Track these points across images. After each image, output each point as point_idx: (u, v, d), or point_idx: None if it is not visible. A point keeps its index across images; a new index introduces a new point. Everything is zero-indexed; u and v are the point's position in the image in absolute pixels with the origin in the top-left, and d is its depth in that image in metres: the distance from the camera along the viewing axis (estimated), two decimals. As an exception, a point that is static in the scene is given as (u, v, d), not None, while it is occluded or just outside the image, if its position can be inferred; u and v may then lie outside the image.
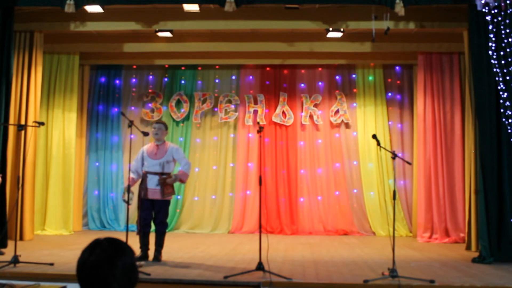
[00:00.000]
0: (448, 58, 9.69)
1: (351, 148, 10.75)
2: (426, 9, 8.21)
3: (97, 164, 10.97)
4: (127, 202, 6.46)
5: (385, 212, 10.33)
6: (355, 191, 10.62)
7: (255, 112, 10.87)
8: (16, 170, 8.03)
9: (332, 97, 10.89)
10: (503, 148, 7.23)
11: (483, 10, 7.25)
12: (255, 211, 10.30)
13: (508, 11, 7.22)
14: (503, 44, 7.19)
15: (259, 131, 6.15)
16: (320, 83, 10.99)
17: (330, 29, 8.64)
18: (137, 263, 2.00)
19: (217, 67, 11.07)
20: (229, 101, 10.96)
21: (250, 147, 10.88)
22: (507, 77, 7.17)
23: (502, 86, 7.19)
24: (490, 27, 7.26)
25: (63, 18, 8.43)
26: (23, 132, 6.53)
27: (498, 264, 6.82)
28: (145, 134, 6.68)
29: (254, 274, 5.71)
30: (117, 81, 11.17)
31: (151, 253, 6.84)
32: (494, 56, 7.22)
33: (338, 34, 8.94)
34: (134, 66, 11.14)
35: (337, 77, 11.01)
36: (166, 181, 6.80)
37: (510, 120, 7.13)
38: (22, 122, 8.33)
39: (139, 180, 7.01)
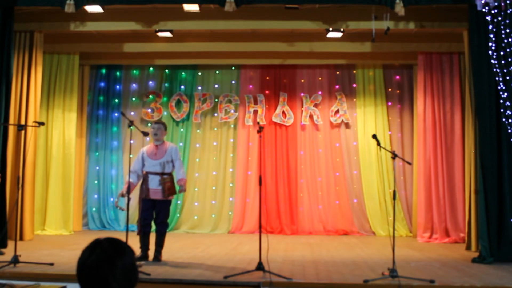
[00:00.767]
0: (448, 58, 9.69)
1: (351, 148, 10.75)
2: (426, 9, 8.21)
3: (97, 165, 10.96)
4: (123, 209, 6.45)
5: (385, 212, 10.34)
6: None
7: (255, 112, 10.87)
8: (16, 170, 8.03)
9: (332, 97, 10.89)
10: (503, 148, 7.23)
11: (483, 10, 7.25)
12: (255, 211, 10.30)
13: (508, 11, 7.22)
14: (503, 44, 7.19)
15: (259, 131, 6.15)
16: (320, 83, 10.99)
17: (330, 29, 8.63)
18: (137, 263, 1.99)
19: (217, 67, 11.06)
20: (229, 101, 10.96)
21: (250, 147, 10.87)
22: (507, 77, 7.17)
23: (502, 86, 7.19)
24: (490, 27, 7.26)
25: (63, 18, 8.43)
26: (23, 132, 6.53)
27: (498, 264, 6.82)
28: (145, 134, 6.68)
29: (254, 274, 5.71)
30: (117, 81, 11.17)
31: (151, 253, 6.84)
32: (494, 56, 7.22)
33: (338, 34, 8.94)
34: (134, 66, 11.13)
35: (337, 77, 11.00)
36: (177, 193, 6.91)
37: (510, 120, 7.13)
38: (22, 122, 8.33)
39: (138, 184, 6.99)
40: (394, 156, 6.04)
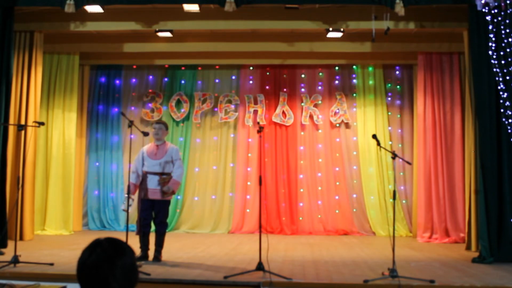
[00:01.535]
0: (448, 58, 9.69)
1: (351, 148, 10.76)
2: (426, 9, 8.21)
3: (97, 164, 10.96)
4: (127, 211, 6.44)
5: (385, 212, 10.34)
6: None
7: (255, 112, 10.87)
8: (16, 170, 8.03)
9: (332, 97, 10.89)
10: (503, 148, 7.23)
11: (483, 10, 7.25)
12: (255, 211, 10.30)
13: (508, 11, 7.22)
14: (503, 44, 7.19)
15: (259, 131, 6.16)
16: (320, 83, 10.99)
17: (330, 29, 8.64)
18: (137, 263, 1.99)
19: (217, 67, 11.07)
20: (229, 101, 10.96)
21: (250, 147, 10.88)
22: (507, 77, 7.17)
23: (502, 86, 7.19)
24: (490, 27, 7.26)
25: (63, 18, 8.43)
26: (23, 132, 6.53)
27: (498, 264, 6.82)
28: (145, 134, 6.68)
29: (254, 274, 5.71)
30: (117, 81, 11.17)
31: (151, 253, 6.84)
32: (494, 56, 7.22)
33: (338, 34, 8.94)
34: (134, 66, 11.14)
35: (337, 77, 11.01)
36: (162, 189, 6.78)
37: (510, 120, 7.13)
38: (22, 122, 8.33)
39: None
40: (394, 156, 6.04)
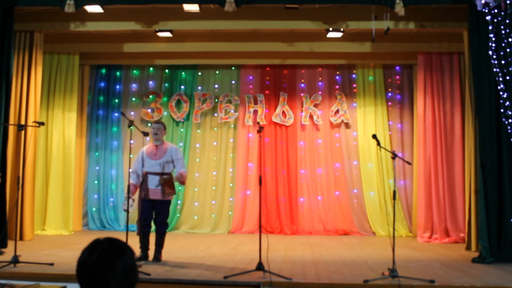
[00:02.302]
0: (448, 58, 9.69)
1: (351, 148, 10.76)
2: (426, 9, 8.21)
3: (97, 164, 10.96)
4: (127, 211, 6.44)
5: (385, 212, 10.33)
6: (355, 191, 10.62)
7: (255, 112, 10.87)
8: (16, 170, 8.03)
9: (332, 97, 10.89)
10: (503, 148, 7.23)
11: (483, 10, 7.25)
12: (255, 211, 10.30)
13: (508, 11, 7.22)
14: (503, 44, 7.19)
15: (259, 131, 6.15)
16: (320, 83, 10.99)
17: (330, 29, 8.64)
18: (137, 263, 1.99)
19: (217, 67, 11.06)
20: (229, 101, 10.96)
21: (250, 147, 10.88)
22: (507, 77, 7.17)
23: (502, 86, 7.19)
24: (490, 27, 7.26)
25: (63, 18, 8.43)
26: (23, 132, 6.53)
27: (498, 264, 6.82)
28: (145, 134, 6.68)
29: (254, 274, 5.71)
30: (117, 81, 11.17)
31: (151, 253, 6.84)
32: (494, 56, 7.22)
33: (338, 34, 8.94)
34: (134, 66, 11.13)
35: (337, 77, 11.01)
36: (170, 181, 6.81)
37: (510, 120, 7.13)
38: (22, 122, 8.33)
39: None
40: (394, 156, 6.04)
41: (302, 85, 11.00)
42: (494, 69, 7.22)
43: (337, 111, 10.80)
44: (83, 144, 10.81)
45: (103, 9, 8.13)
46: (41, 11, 8.47)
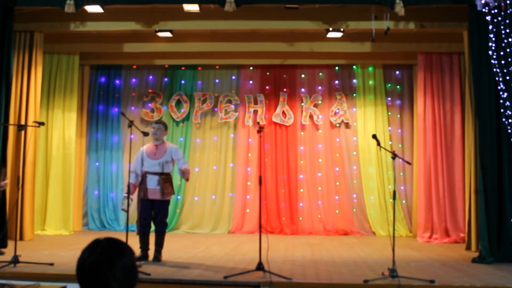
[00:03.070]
0: (448, 58, 9.69)
1: (351, 148, 10.76)
2: (426, 9, 8.21)
3: (97, 164, 10.96)
4: (126, 211, 6.44)
5: (385, 212, 10.33)
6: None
7: (255, 112, 10.87)
8: (16, 170, 8.04)
9: (332, 97, 10.89)
10: (503, 148, 7.23)
11: (483, 10, 7.25)
12: (255, 211, 10.30)
13: (508, 11, 7.22)
14: (503, 44, 7.19)
15: (259, 131, 6.15)
16: (320, 83, 10.99)
17: (330, 29, 8.64)
18: (137, 263, 1.99)
19: (217, 67, 11.07)
20: (229, 101, 10.96)
21: (250, 147, 10.88)
22: (507, 77, 7.17)
23: (502, 86, 7.19)
24: (490, 27, 7.26)
25: (63, 18, 8.43)
26: (23, 132, 6.52)
27: (498, 264, 6.82)
28: (145, 134, 6.68)
29: (254, 274, 5.71)
30: (117, 81, 11.17)
31: (151, 253, 6.84)
32: (494, 56, 7.22)
33: (338, 34, 8.94)
34: (134, 66, 11.14)
35: (337, 77, 11.00)
36: (170, 181, 6.83)
37: (510, 120, 7.13)
38: (22, 122, 8.33)
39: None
40: (394, 156, 6.04)
41: (302, 85, 11.00)
42: (494, 69, 7.22)
43: (337, 111, 10.80)
44: (83, 144, 10.81)
45: (103, 9, 8.13)
46: (41, 11, 8.47)
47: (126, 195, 6.56)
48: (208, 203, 10.81)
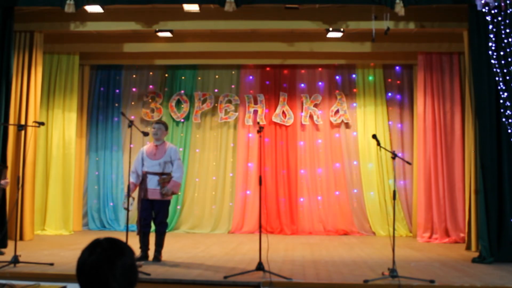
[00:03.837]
0: (448, 58, 9.69)
1: (351, 148, 10.76)
2: (426, 9, 8.21)
3: (97, 165, 10.96)
4: (127, 209, 6.44)
5: (385, 212, 10.33)
6: (355, 191, 10.62)
7: (255, 112, 10.87)
8: (16, 170, 8.04)
9: (332, 97, 10.89)
10: (503, 148, 7.23)
11: (483, 10, 7.25)
12: (255, 211, 10.30)
13: (508, 11, 7.22)
14: (503, 44, 7.19)
15: (259, 131, 6.15)
16: (320, 83, 10.99)
17: (330, 29, 8.64)
18: (137, 263, 1.99)
19: (217, 67, 11.06)
20: (229, 101, 10.96)
21: (250, 147, 10.88)
22: (507, 77, 7.17)
23: (502, 86, 7.19)
24: (490, 27, 7.25)
25: (63, 18, 8.43)
26: (23, 132, 6.53)
27: (498, 264, 6.82)
28: (145, 134, 6.68)
29: (254, 274, 5.71)
30: (117, 81, 11.16)
31: (151, 253, 6.84)
32: (494, 56, 7.22)
33: (338, 34, 8.94)
34: (135, 66, 11.13)
35: (337, 77, 11.01)
36: (161, 191, 6.77)
37: (510, 120, 7.13)
38: (22, 122, 8.33)
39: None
40: (394, 156, 6.04)
41: (302, 85, 11.00)
42: (494, 69, 7.22)
43: (337, 111, 10.80)
44: (83, 144, 10.81)
45: (103, 9, 8.13)
46: (41, 11, 8.47)
47: (127, 194, 6.56)
48: (208, 203, 10.81)
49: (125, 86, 11.19)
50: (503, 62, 7.19)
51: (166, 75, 11.16)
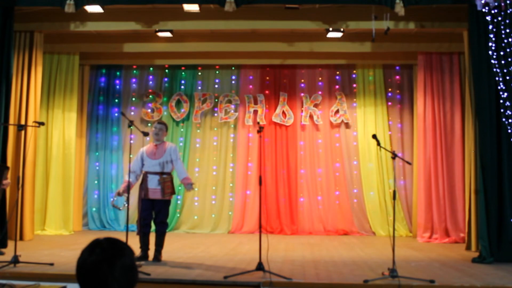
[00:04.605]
0: (448, 58, 9.69)
1: (351, 148, 10.76)
2: (426, 9, 8.21)
3: (97, 164, 10.97)
4: (118, 207, 6.44)
5: (385, 212, 10.33)
6: (355, 191, 10.62)
7: (255, 112, 10.87)
8: (16, 170, 8.04)
9: (332, 97, 10.89)
10: (503, 148, 7.23)
11: (483, 10, 7.25)
12: (255, 211, 10.30)
13: (508, 11, 7.22)
14: (503, 44, 7.19)
15: (259, 131, 6.15)
16: (320, 83, 10.99)
17: (330, 29, 8.64)
18: (137, 263, 1.99)
19: (217, 67, 11.07)
20: (229, 101, 10.96)
21: (250, 147, 10.88)
22: (507, 77, 7.17)
23: (502, 86, 7.19)
24: (490, 27, 7.25)
25: (63, 18, 8.43)
26: (23, 132, 6.53)
27: (498, 264, 6.82)
28: (145, 134, 6.68)
29: (254, 274, 5.71)
30: (117, 81, 11.17)
31: (151, 253, 6.84)
32: (494, 56, 7.22)
33: (338, 34, 8.94)
34: (134, 66, 11.14)
35: (337, 77, 11.01)
36: (187, 190, 6.97)
37: (510, 120, 7.13)
38: (22, 122, 8.33)
39: (137, 183, 6.98)
40: (394, 156, 6.04)
41: (302, 85, 11.00)
42: (494, 69, 7.22)
43: (337, 111, 10.80)
44: (83, 144, 10.81)
45: (103, 9, 8.13)
46: (41, 11, 8.47)
47: (120, 191, 6.58)
48: (208, 203, 10.81)
49: (125, 86, 11.20)
50: (503, 62, 7.19)
51: (166, 75, 11.16)
